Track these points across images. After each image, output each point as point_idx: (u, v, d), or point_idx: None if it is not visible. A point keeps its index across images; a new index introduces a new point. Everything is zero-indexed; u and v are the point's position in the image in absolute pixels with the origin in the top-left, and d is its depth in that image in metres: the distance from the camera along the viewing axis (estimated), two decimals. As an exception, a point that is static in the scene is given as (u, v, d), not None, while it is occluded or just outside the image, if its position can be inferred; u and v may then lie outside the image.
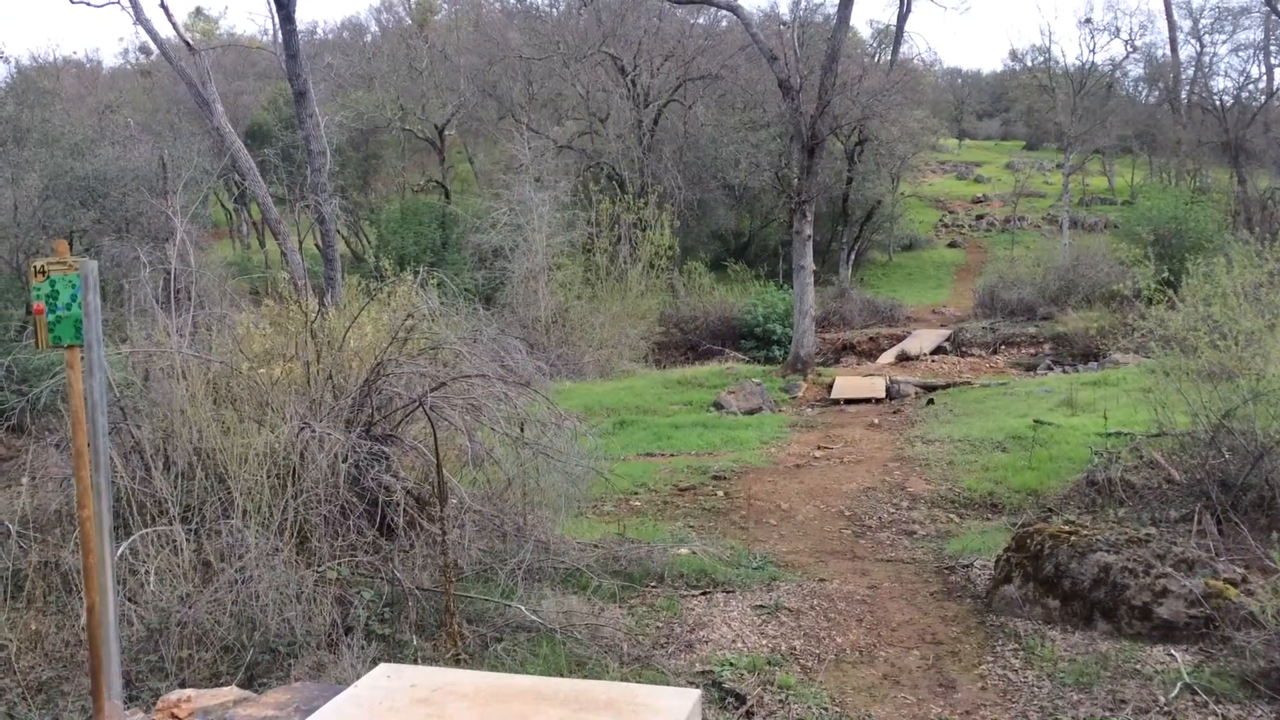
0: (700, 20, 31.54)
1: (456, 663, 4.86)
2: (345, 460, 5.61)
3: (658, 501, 8.77)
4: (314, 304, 7.64)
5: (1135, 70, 43.52)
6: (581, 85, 28.19)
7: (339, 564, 5.38)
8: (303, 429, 5.67)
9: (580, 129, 29.37)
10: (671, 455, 10.86)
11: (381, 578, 5.49)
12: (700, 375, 16.94)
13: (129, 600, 5.10)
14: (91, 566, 3.81)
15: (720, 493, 9.07)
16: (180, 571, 5.22)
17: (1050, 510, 7.66)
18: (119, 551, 5.03)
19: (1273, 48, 36.32)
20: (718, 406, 14.29)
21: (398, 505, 5.68)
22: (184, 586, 5.15)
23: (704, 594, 6.23)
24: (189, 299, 8.12)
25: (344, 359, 6.57)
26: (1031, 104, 46.20)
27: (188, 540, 5.34)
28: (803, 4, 31.79)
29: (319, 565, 5.28)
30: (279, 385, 6.22)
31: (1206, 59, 39.86)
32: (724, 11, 24.15)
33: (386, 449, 5.97)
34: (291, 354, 6.60)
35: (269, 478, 5.45)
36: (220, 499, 5.54)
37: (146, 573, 5.15)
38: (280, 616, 4.91)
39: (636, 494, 8.96)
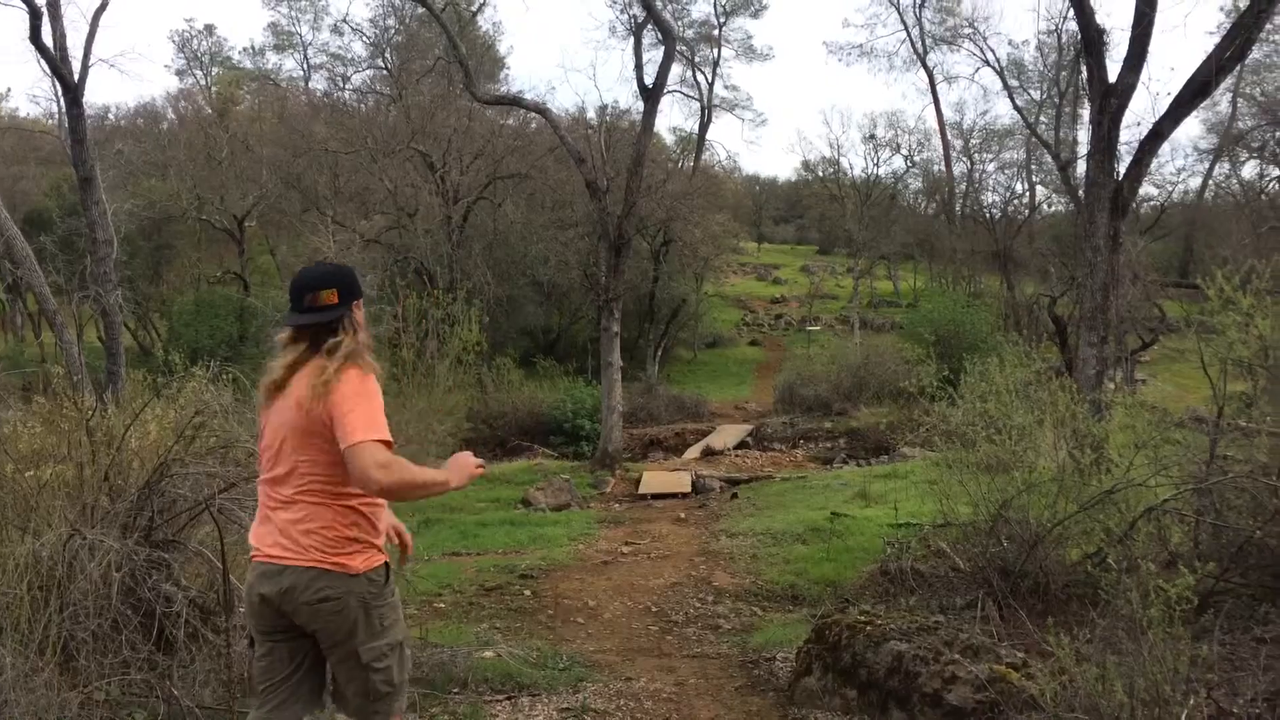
0: (510, 121, 32.06)
1: (240, 787, 4.49)
2: (119, 569, 5.18)
3: (463, 603, 8.51)
4: (92, 400, 7.12)
5: (915, 184, 46.99)
6: (389, 180, 28.01)
7: (108, 683, 4.92)
8: (71, 536, 5.22)
9: (388, 223, 29.08)
10: (478, 554, 10.61)
11: (157, 696, 5.05)
12: (509, 471, 16.73)
13: None
14: None
15: (527, 592, 8.89)
16: (-80, 700, 4.65)
17: (847, 600, 7.86)
18: None
19: (1033, 167, 39.86)
20: (526, 503, 14.12)
21: (179, 616, 5.27)
22: (-76, 717, 4.59)
23: (509, 699, 6.04)
24: (-53, 395, 7.43)
25: (124, 459, 6.11)
26: (824, 211, 49.00)
27: (-69, 664, 4.77)
28: (609, 109, 32.87)
29: (85, 686, 4.81)
30: (47, 488, 5.73)
31: (977, 175, 43.41)
32: (533, 113, 24.63)
33: (168, 555, 5.55)
34: (64, 454, 6.10)
35: (29, 591, 4.97)
36: (-28, 616, 5.00)
37: (-122, 703, 4.57)
38: (38, 745, 4.43)
39: (441, 595, 8.68)
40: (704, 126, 45.90)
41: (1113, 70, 10.69)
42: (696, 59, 46.05)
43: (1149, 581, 4.18)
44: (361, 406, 3.19)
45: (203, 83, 52.06)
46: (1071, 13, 11.28)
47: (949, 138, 44.90)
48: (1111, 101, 10.48)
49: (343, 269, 3.56)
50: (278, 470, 3.31)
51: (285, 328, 3.43)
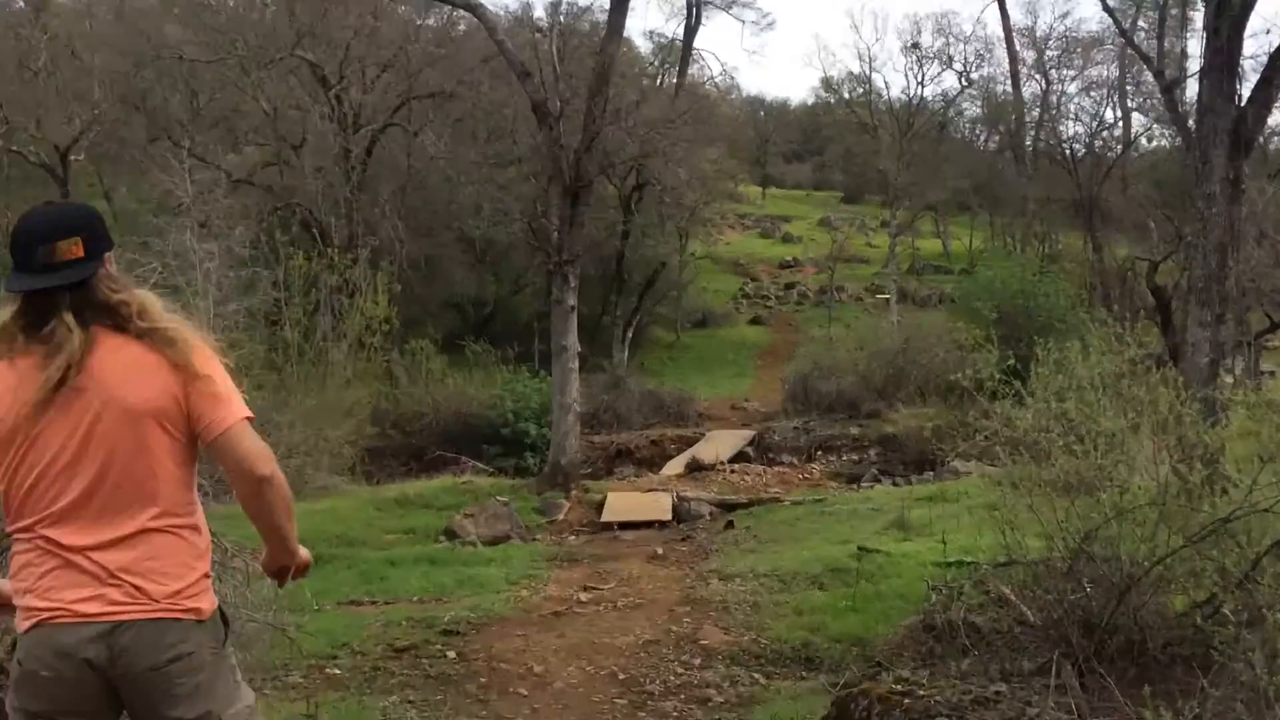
0: (430, 22, 31.87)
1: None
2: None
3: (365, 668, 8.50)
4: None
5: (972, 110, 46.97)
6: (267, 100, 27.76)
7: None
8: None
9: (265, 158, 28.86)
10: (386, 603, 10.60)
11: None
12: (428, 492, 16.72)
13: None
14: None
15: (451, 653, 8.89)
16: None
17: (879, 664, 7.89)
18: None
19: (1129, 88, 39.60)
20: (451, 535, 14.12)
21: (-23, 689, 5.23)
22: None
23: (426, 796, 6.05)
24: None
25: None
26: (850, 146, 48.92)
27: None
28: (564, 6, 32.70)
29: None
30: None
31: (1054, 99, 43.20)
32: (461, 10, 24.46)
33: (-38, 608, 5.50)
34: None
35: None
36: None
37: None
38: None
39: (336, 658, 8.66)
40: (690, 31, 45.82)
41: (1234, -41, 10.73)
42: (681, -61, 45.98)
43: (1277, 638, 4.21)
44: (227, 378, 3.19)
45: (13, -34, 51.48)
46: (1180, -118, 11.32)
47: (1017, 49, 44.95)
48: (1233, 1, 10.53)
49: (85, 208, 3.46)
50: (75, 498, 3.17)
51: (13, 296, 3.27)
